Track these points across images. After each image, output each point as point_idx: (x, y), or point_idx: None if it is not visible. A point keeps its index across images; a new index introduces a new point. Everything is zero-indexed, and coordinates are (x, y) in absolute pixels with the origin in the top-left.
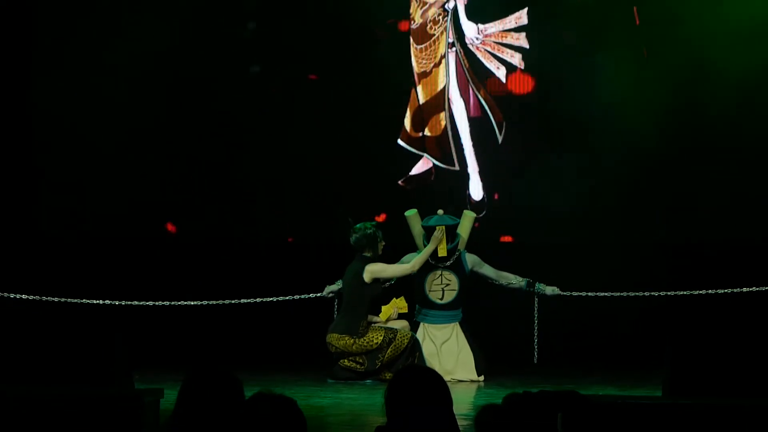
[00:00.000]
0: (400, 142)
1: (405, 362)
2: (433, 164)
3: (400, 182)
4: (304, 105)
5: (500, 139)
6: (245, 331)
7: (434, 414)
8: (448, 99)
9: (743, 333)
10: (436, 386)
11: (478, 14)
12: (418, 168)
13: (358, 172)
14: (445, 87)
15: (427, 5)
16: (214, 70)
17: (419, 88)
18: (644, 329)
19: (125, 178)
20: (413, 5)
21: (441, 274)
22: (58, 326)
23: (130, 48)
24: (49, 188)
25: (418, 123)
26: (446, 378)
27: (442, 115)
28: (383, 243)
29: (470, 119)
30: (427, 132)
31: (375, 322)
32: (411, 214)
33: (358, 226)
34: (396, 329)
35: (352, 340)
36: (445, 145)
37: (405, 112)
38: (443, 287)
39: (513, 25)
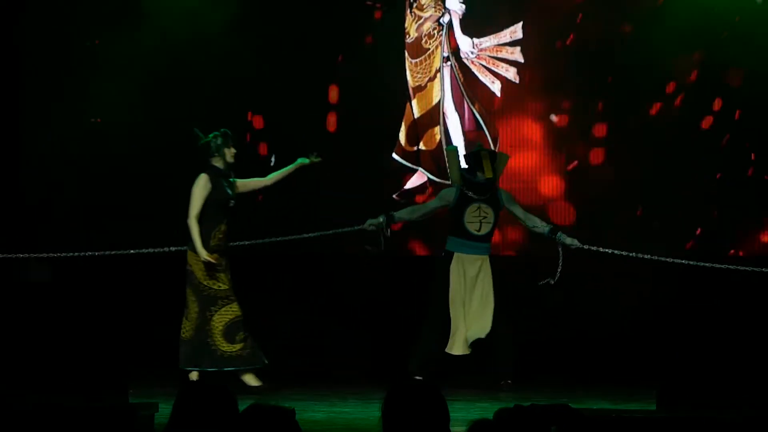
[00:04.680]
0: (394, 156)
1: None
2: (428, 178)
3: (395, 196)
4: (297, 118)
5: None
6: None
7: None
8: (443, 113)
9: (737, 346)
10: (434, 402)
11: (473, 28)
12: (413, 182)
13: (353, 186)
14: (440, 101)
15: (422, 19)
16: (205, 84)
17: (414, 102)
18: (638, 342)
19: (115, 193)
20: (408, 19)
21: (479, 207)
22: (53, 339)
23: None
24: (40, 204)
25: (413, 137)
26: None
27: (437, 129)
28: (233, 150)
29: (465, 133)
30: (422, 146)
31: None
32: (452, 149)
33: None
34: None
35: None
36: (439, 159)
37: (400, 126)
38: (481, 219)
39: (508, 39)
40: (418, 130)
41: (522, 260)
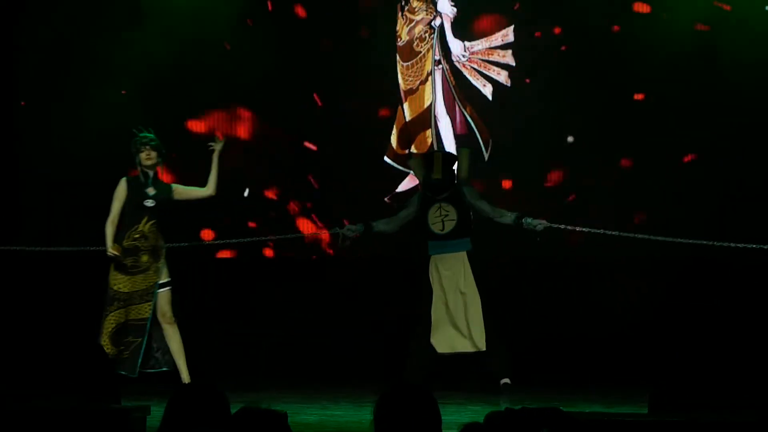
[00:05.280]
0: (386, 159)
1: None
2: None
3: (386, 199)
4: (291, 121)
5: (486, 156)
6: (230, 346)
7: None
8: (435, 116)
9: (731, 348)
10: (426, 405)
11: (464, 32)
12: (405, 185)
13: (344, 189)
14: (431, 104)
15: (414, 22)
16: (206, 84)
17: (406, 106)
18: (631, 345)
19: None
20: (400, 22)
21: (440, 206)
22: (45, 341)
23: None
24: (30, 207)
25: (405, 140)
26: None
27: (429, 132)
28: (146, 154)
29: (456, 137)
30: (413, 149)
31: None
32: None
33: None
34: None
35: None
36: None
37: (391, 129)
38: (443, 218)
39: (499, 43)
40: (409, 133)
41: (513, 261)
